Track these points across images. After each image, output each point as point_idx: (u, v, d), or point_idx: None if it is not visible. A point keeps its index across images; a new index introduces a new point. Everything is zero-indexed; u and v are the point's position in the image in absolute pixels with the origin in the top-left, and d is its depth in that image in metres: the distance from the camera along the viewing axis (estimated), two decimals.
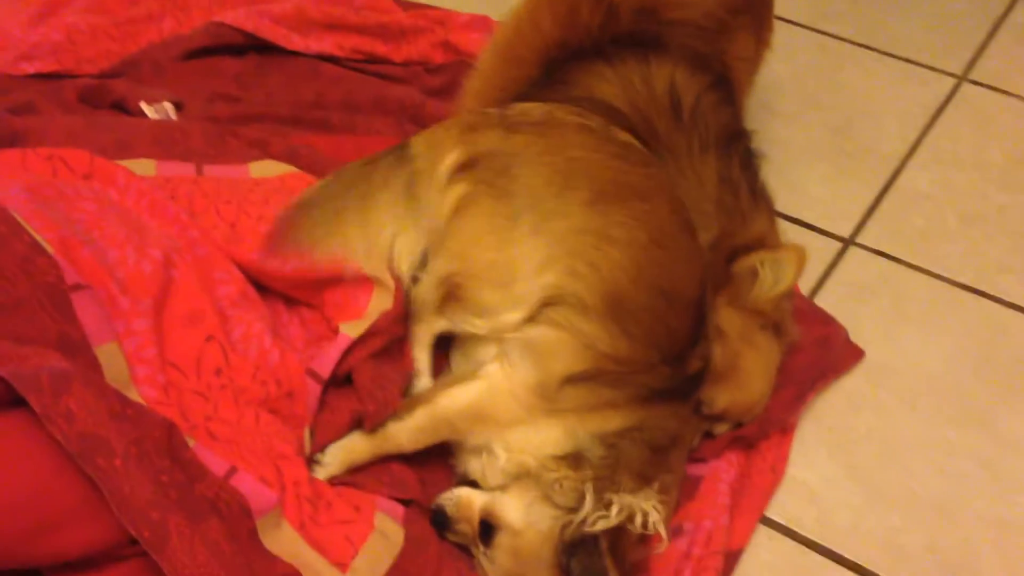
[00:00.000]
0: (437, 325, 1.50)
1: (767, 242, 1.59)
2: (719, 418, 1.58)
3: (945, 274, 1.94)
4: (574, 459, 1.36)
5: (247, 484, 1.27)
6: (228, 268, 1.43)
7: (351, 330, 1.44)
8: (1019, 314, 1.87)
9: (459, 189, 1.46)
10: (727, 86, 1.76)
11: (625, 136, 1.53)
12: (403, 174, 1.50)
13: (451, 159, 1.47)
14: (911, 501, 1.57)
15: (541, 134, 1.48)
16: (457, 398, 1.41)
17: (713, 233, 1.57)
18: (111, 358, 1.26)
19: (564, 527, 1.32)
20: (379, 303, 1.48)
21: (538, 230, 1.40)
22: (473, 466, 1.44)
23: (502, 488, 1.38)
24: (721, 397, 1.54)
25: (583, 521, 1.30)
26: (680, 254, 1.45)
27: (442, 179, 1.47)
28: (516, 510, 1.35)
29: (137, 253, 1.34)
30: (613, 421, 1.38)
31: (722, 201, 1.59)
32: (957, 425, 1.68)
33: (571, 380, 1.36)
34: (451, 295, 1.46)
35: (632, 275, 1.38)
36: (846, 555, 1.50)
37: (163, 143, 1.59)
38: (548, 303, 1.38)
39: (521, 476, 1.37)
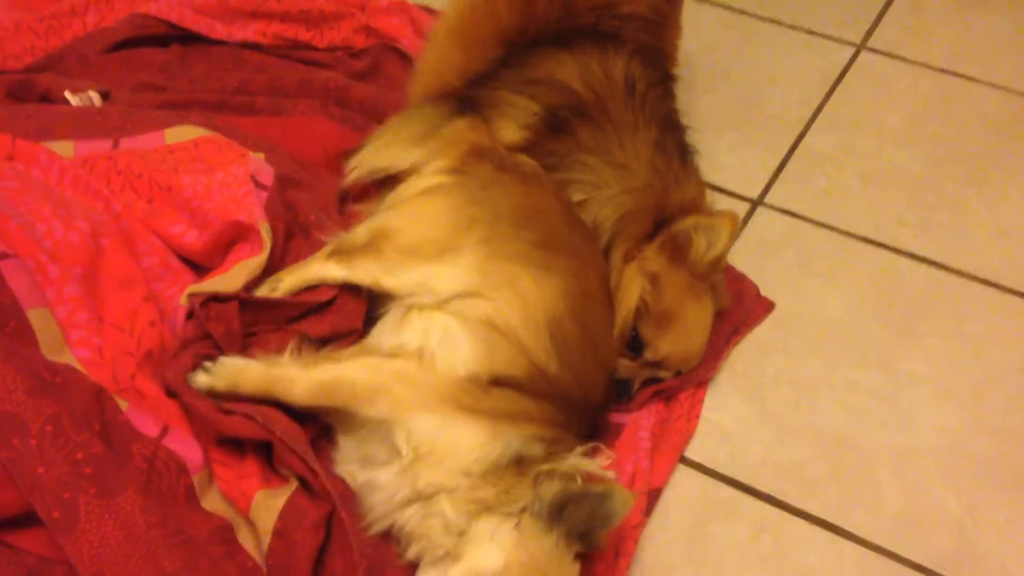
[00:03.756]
0: (330, 271, 1.53)
1: (699, 206, 1.70)
2: (660, 364, 1.67)
3: (846, 229, 2.05)
4: (516, 463, 1.33)
5: (180, 442, 1.32)
6: (149, 240, 1.47)
7: (206, 286, 1.45)
8: (915, 262, 1.99)
9: (439, 179, 1.59)
10: (671, 84, 1.91)
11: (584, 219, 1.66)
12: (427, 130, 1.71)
13: (444, 163, 1.62)
14: (816, 436, 1.68)
15: (524, 182, 1.61)
16: (370, 367, 1.37)
17: (639, 182, 1.67)
18: (44, 322, 1.30)
19: (549, 516, 1.27)
20: (246, 265, 1.50)
21: (486, 241, 1.49)
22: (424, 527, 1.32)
23: (455, 552, 1.28)
24: (665, 345, 1.65)
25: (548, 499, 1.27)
26: (603, 319, 1.57)
27: (428, 170, 1.62)
28: (489, 555, 1.26)
29: (64, 225, 1.38)
30: (529, 429, 1.37)
31: (655, 164, 1.69)
32: (858, 365, 1.79)
33: (500, 382, 1.38)
34: (371, 245, 1.51)
35: (567, 307, 1.46)
36: (757, 487, 1.60)
37: (82, 125, 1.61)
38: (477, 295, 1.44)
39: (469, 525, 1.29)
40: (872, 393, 1.75)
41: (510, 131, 1.71)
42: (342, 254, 1.54)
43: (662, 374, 1.69)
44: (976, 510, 1.58)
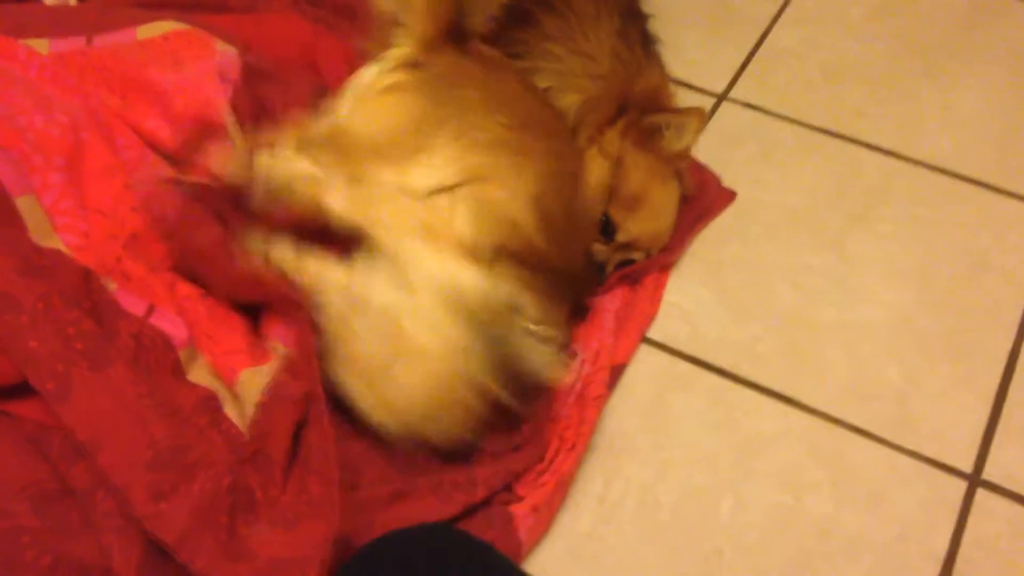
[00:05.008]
0: (297, 164, 1.50)
1: (662, 94, 1.77)
2: (631, 245, 1.76)
3: (807, 121, 2.11)
4: (511, 310, 1.42)
5: (166, 320, 1.40)
6: (127, 135, 1.51)
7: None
8: (871, 152, 2.06)
9: (398, 76, 1.57)
10: None
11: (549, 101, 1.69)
12: None
13: (403, 51, 1.60)
14: (770, 314, 1.77)
15: (488, 69, 1.63)
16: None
17: (603, 70, 1.73)
18: (31, 209, 1.36)
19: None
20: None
21: (460, 135, 1.49)
22: None
23: None
24: (635, 225, 1.73)
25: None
26: (580, 201, 1.63)
27: (388, 62, 1.59)
28: None
29: (45, 119, 1.43)
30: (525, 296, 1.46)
31: (618, 53, 1.74)
32: (812, 249, 1.88)
33: (501, 253, 1.45)
34: (333, 141, 1.51)
35: (548, 186, 1.51)
36: (713, 362, 1.70)
37: (56, 23, 1.63)
38: (469, 181, 1.47)
39: None
40: (824, 274, 1.84)
41: (477, 21, 1.76)
42: (311, 146, 1.52)
43: (634, 255, 1.78)
44: (916, 380, 1.69)
